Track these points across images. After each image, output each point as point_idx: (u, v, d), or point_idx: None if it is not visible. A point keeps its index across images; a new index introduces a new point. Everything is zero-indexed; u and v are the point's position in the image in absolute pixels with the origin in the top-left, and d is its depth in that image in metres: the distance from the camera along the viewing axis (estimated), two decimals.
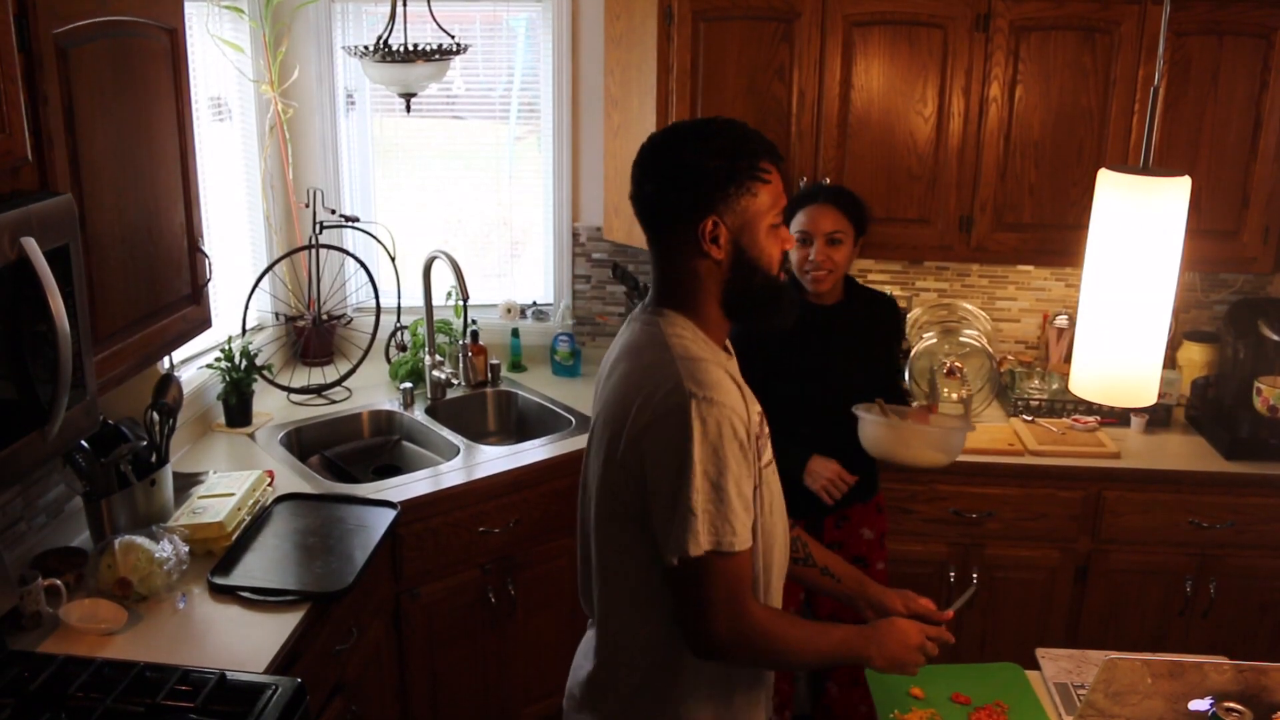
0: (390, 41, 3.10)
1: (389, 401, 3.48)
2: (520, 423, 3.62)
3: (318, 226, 3.57)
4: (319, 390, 3.49)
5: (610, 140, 3.55)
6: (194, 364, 3.21)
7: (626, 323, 1.78)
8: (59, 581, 2.21)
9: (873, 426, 2.65)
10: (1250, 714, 1.79)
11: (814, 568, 1.98)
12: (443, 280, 3.57)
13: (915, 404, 2.91)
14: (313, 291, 3.67)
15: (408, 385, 3.45)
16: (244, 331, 3.37)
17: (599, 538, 1.73)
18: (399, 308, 3.70)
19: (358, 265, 3.61)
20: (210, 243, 2.57)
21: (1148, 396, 1.78)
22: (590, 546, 1.76)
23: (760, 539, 1.69)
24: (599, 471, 1.69)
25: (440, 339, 3.63)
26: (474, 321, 3.69)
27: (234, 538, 2.52)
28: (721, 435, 1.56)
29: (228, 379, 3.17)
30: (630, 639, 1.73)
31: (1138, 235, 1.68)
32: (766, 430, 1.76)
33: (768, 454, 1.74)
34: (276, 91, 3.56)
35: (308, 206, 3.63)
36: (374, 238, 3.67)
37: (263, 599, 2.30)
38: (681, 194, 1.63)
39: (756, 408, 1.73)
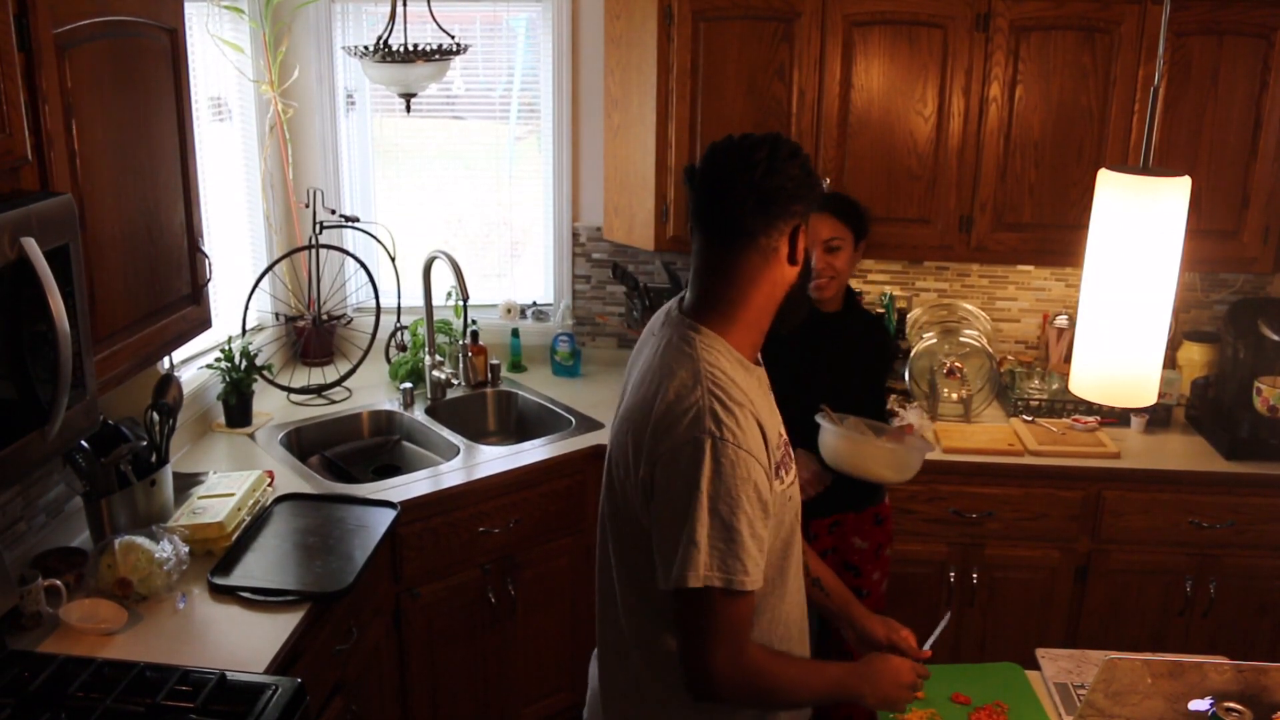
0: (390, 41, 3.10)
1: (389, 401, 3.48)
2: (520, 423, 3.62)
3: (318, 226, 3.57)
4: (319, 390, 3.49)
5: (610, 140, 3.55)
6: (194, 364, 3.21)
7: (662, 323, 1.73)
8: (59, 581, 2.21)
9: (831, 437, 2.61)
10: (1250, 714, 1.79)
11: (806, 576, 1.98)
12: (443, 280, 3.57)
13: (895, 423, 2.89)
14: (313, 291, 3.66)
15: (408, 385, 3.45)
16: (244, 331, 3.37)
17: (614, 544, 1.73)
18: (399, 308, 3.70)
19: (358, 265, 3.61)
20: (210, 243, 2.57)
21: (1148, 396, 1.77)
22: (609, 551, 1.75)
23: (775, 558, 1.68)
24: (619, 476, 1.69)
25: (440, 339, 3.62)
26: (474, 321, 3.69)
27: (234, 538, 2.52)
28: (736, 476, 1.55)
29: (228, 379, 3.17)
30: (654, 643, 1.72)
31: (1138, 235, 1.67)
32: (786, 445, 1.75)
33: (790, 475, 1.73)
34: (276, 91, 3.56)
35: (308, 206, 3.63)
36: (374, 238, 3.67)
37: (263, 599, 2.30)
38: (783, 197, 1.61)
39: (778, 427, 1.72)
